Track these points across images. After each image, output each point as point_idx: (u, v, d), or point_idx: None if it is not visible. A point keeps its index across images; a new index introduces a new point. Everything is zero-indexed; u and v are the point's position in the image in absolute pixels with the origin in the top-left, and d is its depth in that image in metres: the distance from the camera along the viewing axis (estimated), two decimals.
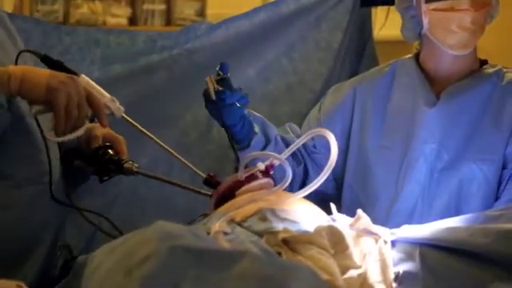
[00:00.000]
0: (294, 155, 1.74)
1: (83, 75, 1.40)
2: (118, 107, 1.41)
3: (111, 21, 3.65)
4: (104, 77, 1.81)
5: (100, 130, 1.53)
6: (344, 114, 1.81)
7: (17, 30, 1.60)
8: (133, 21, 3.69)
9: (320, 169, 1.37)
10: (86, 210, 1.53)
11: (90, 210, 1.54)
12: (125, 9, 3.71)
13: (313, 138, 1.78)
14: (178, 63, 1.90)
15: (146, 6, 3.72)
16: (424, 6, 1.68)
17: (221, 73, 1.60)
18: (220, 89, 1.59)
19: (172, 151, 1.51)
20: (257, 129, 1.70)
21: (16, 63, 1.37)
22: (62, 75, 1.33)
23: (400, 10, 1.77)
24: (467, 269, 1.15)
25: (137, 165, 1.51)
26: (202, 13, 3.75)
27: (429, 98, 1.72)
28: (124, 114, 1.43)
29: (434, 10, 1.67)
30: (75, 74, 1.38)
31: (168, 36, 1.93)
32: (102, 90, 1.41)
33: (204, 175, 1.49)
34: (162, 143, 1.51)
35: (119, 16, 3.68)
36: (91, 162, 1.52)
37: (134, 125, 1.46)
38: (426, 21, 1.69)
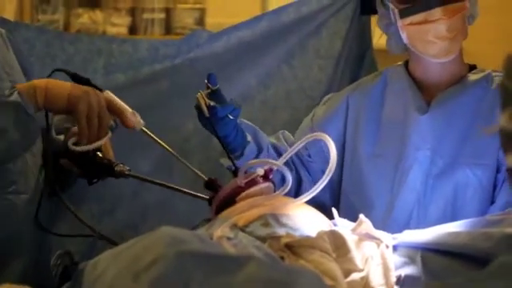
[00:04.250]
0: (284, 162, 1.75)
1: (108, 91, 1.46)
2: (138, 120, 1.49)
3: (111, 30, 3.68)
4: (107, 86, 1.83)
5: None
6: (337, 123, 1.82)
7: (19, 40, 1.60)
8: (133, 30, 3.73)
9: (315, 178, 1.35)
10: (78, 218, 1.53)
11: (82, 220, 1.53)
12: (125, 18, 3.73)
13: (306, 148, 1.79)
14: (180, 73, 1.92)
15: (145, 15, 3.75)
16: (400, 22, 1.69)
17: (210, 85, 1.59)
18: (212, 104, 1.58)
19: (182, 159, 1.54)
20: (249, 138, 1.71)
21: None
22: (83, 86, 1.40)
23: (381, 26, 1.78)
24: (468, 273, 1.16)
25: (128, 168, 1.53)
26: (201, 21, 3.77)
27: (420, 104, 1.72)
28: (144, 128, 1.50)
29: (409, 24, 1.68)
30: (100, 89, 1.45)
31: (170, 44, 1.95)
32: (123, 104, 1.47)
33: (206, 178, 1.52)
34: (174, 152, 1.54)
35: (119, 25, 3.71)
36: (80, 164, 1.52)
37: (152, 138, 1.52)
38: (404, 35, 1.70)
